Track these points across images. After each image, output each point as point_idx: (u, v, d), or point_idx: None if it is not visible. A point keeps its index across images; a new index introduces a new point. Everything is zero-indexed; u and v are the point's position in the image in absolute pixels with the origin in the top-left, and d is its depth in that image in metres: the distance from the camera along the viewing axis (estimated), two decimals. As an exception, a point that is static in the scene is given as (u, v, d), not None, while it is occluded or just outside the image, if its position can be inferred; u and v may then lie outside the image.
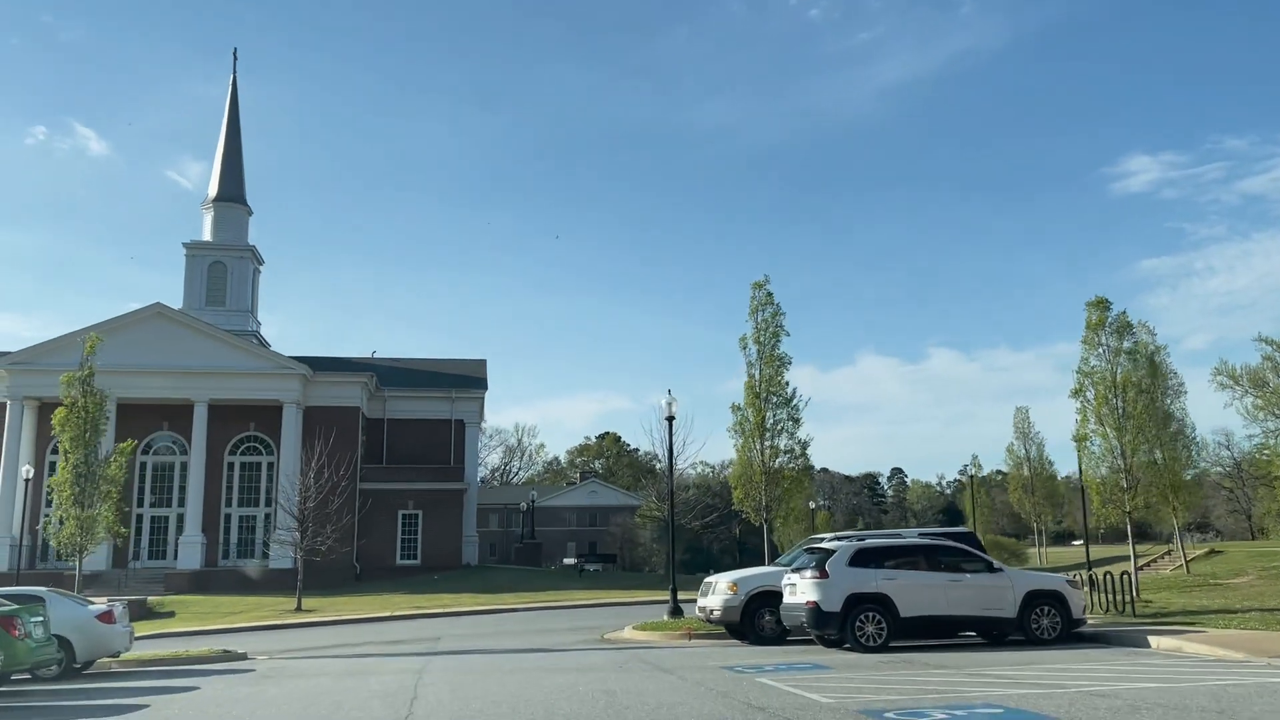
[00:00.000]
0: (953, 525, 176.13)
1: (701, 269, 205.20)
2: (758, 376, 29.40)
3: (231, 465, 53.20)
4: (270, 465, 52.59)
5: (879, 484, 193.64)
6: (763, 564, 25.51)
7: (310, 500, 46.99)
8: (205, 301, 60.00)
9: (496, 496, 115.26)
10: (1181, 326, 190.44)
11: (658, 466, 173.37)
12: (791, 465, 29.31)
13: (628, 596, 38.49)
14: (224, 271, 61.44)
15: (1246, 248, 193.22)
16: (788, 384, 29.29)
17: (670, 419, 27.16)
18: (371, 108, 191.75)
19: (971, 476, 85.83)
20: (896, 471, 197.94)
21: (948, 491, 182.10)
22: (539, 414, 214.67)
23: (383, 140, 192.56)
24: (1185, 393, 40.01)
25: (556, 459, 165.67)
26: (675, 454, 38.92)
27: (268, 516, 51.79)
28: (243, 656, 22.65)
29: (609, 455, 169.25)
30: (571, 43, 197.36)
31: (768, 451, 28.77)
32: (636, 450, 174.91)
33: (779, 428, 28.97)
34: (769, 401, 29.05)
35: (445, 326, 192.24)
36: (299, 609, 38.26)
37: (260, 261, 64.48)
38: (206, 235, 62.55)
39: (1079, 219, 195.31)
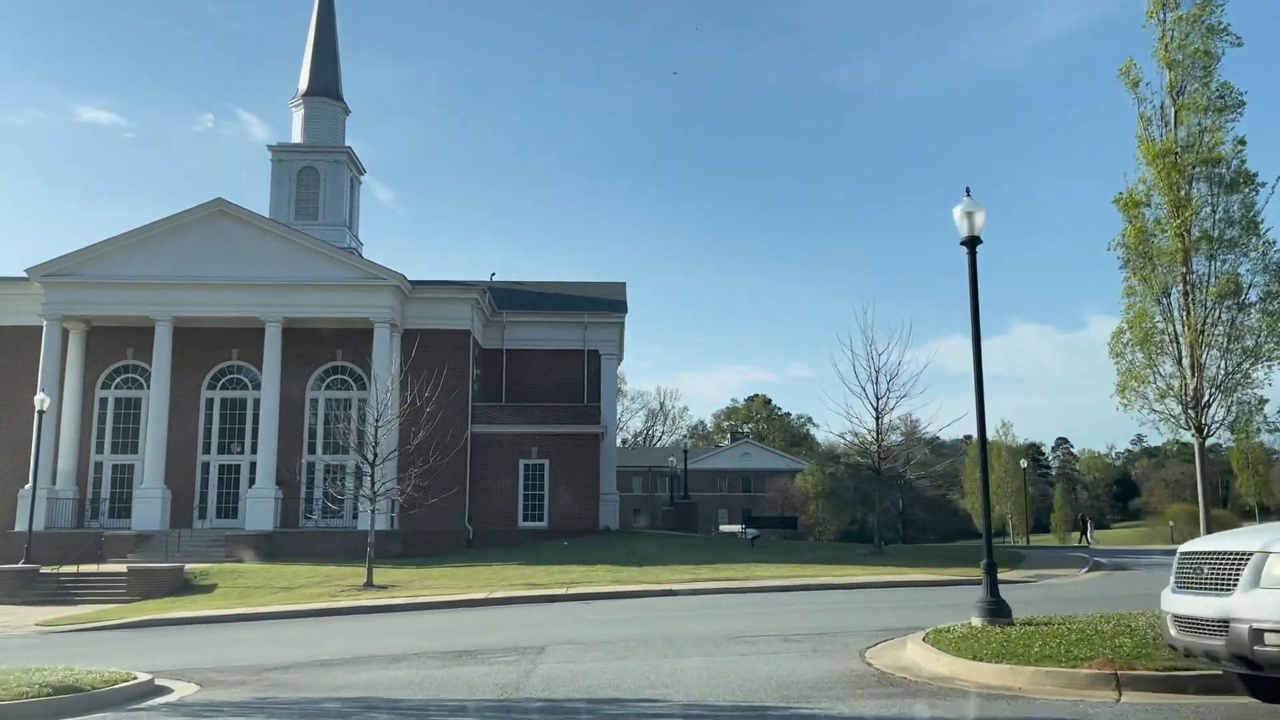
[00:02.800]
0: (1128, 497, 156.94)
1: (845, 235, 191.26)
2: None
3: (315, 402, 42.91)
4: (362, 403, 41.98)
5: (1043, 454, 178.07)
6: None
7: (410, 443, 36.46)
8: (295, 216, 49.80)
9: (639, 459, 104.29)
10: None
11: (811, 432, 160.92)
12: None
13: (843, 575, 26.08)
14: (315, 179, 51.15)
15: None
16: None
17: (972, 240, 14.49)
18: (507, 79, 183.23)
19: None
20: (1062, 441, 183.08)
21: (1118, 463, 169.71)
22: (678, 385, 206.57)
23: (520, 111, 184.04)
24: None
25: (702, 423, 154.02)
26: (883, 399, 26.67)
27: (359, 467, 41.18)
28: (155, 691, 11.37)
29: (759, 419, 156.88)
30: (711, 5, 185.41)
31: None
32: (788, 415, 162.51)
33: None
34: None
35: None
36: (369, 584, 27.30)
37: (360, 170, 54.07)
38: (296, 137, 52.45)
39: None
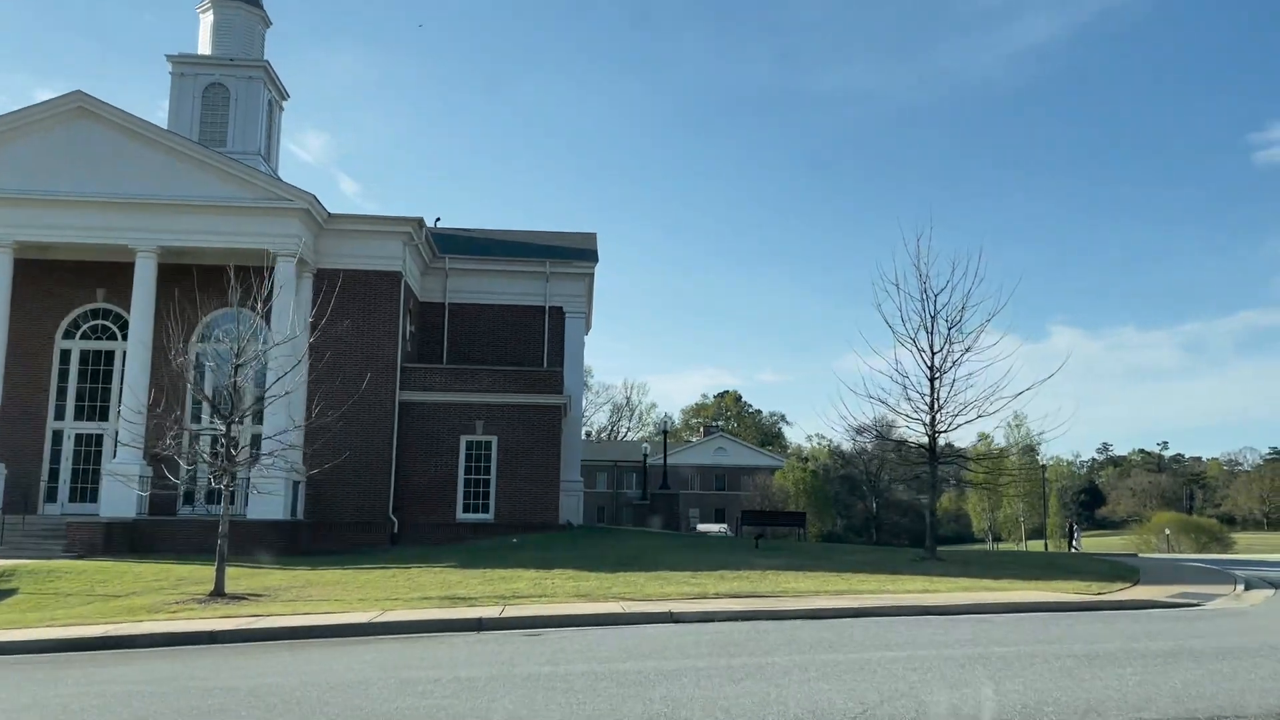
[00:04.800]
0: (1094, 505, 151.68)
1: (820, 242, 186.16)
2: None
3: (202, 357, 33.94)
4: (263, 358, 33.04)
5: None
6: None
7: (313, 410, 28.10)
8: (197, 140, 40.81)
9: (604, 453, 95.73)
10: None
11: (784, 430, 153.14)
12: None
13: (926, 592, 17.64)
14: (225, 98, 42.00)
15: None
16: None
17: None
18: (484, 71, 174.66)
19: None
20: (1028, 450, 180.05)
21: (1083, 471, 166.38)
22: (650, 394, 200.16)
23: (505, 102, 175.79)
24: None
25: (670, 418, 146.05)
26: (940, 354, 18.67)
27: (256, 438, 32.16)
28: None
29: (729, 415, 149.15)
30: (697, 6, 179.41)
31: None
32: (760, 413, 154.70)
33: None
34: None
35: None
36: (218, 593, 18.56)
37: (283, 94, 45.00)
38: (203, 48, 43.35)
39: (1219, 189, 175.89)
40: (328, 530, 32.32)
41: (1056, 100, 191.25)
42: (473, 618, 14.24)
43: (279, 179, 35.74)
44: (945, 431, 24.58)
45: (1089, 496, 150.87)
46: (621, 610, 14.73)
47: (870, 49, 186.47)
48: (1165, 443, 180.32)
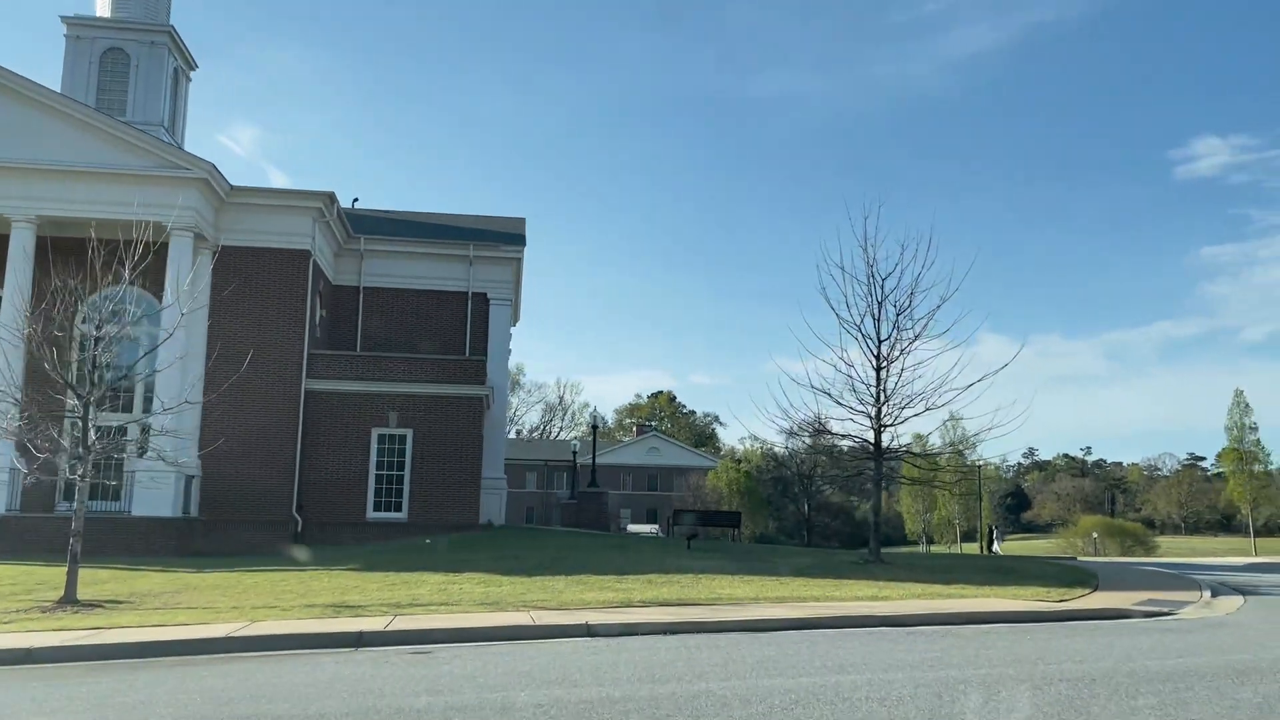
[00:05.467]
0: (1020, 508, 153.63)
1: (756, 245, 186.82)
2: None
3: (87, 339, 30.96)
4: (153, 340, 30.25)
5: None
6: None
7: (212, 397, 25.70)
8: (95, 108, 37.73)
9: (534, 452, 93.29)
10: (1242, 317, 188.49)
11: (717, 431, 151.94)
12: None
13: (872, 598, 15.80)
14: (125, 64, 38.92)
15: None
16: None
17: None
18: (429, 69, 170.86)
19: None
20: (957, 454, 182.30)
21: (1009, 475, 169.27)
22: (584, 394, 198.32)
23: (442, 101, 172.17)
24: None
25: (602, 418, 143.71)
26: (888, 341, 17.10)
27: (147, 430, 29.29)
28: None
29: (663, 415, 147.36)
30: (636, 4, 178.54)
31: None
32: (694, 414, 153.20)
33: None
34: None
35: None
36: (69, 600, 16.05)
37: (190, 64, 41.99)
38: (102, 10, 40.24)
39: (1143, 202, 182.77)
40: (224, 529, 29.70)
41: (989, 111, 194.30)
42: (353, 631, 12.03)
43: (178, 148, 32.97)
44: (892, 425, 22.88)
45: (1015, 500, 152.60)
46: (530, 622, 12.62)
47: (809, 56, 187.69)
48: (1089, 448, 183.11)
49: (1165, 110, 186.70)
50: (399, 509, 31.42)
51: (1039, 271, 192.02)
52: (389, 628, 12.27)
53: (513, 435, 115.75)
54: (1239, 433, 62.34)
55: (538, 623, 12.63)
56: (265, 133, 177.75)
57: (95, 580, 19.69)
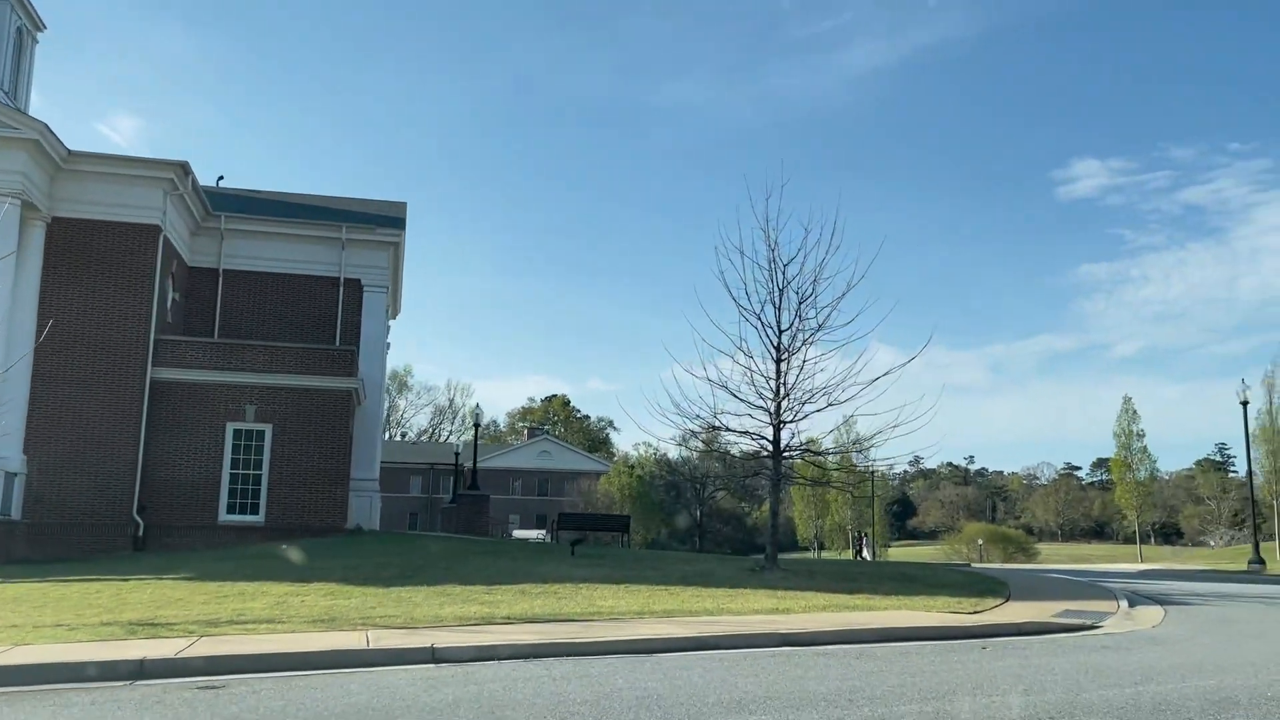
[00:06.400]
0: (905, 515, 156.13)
1: (651, 252, 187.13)
2: None
3: (-106, 320, 27.36)
4: (-22, 325, 26.83)
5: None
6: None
7: (34, 384, 22.58)
8: (-79, 68, 33.80)
9: (422, 454, 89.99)
10: (1114, 333, 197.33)
11: (611, 436, 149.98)
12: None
13: (773, 611, 13.91)
14: (-43, 19, 35.23)
15: (1182, 257, 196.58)
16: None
17: None
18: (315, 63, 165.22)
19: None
20: (854, 454, 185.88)
21: (895, 483, 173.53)
22: (475, 396, 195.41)
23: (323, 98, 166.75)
24: None
25: (494, 422, 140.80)
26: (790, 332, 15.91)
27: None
28: None
29: (557, 420, 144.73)
30: (535, 7, 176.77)
31: None
32: (588, 418, 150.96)
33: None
34: None
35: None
36: None
37: (37, 24, 38.18)
38: (-68, -41, 36.22)
39: (1028, 220, 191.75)
40: (53, 533, 26.47)
41: (885, 127, 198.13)
42: (134, 659, 9.59)
43: (6, 105, 29.51)
44: (792, 421, 21.16)
45: (900, 507, 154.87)
46: (363, 646, 10.35)
47: (709, 67, 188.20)
48: (971, 457, 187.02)
49: (1049, 132, 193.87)
50: (256, 511, 28.54)
51: (931, 284, 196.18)
52: (183, 654, 9.86)
53: (400, 438, 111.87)
54: (1127, 439, 63.15)
55: (374, 646, 10.38)
56: (148, 122, 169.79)
57: None
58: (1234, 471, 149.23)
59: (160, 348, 28.47)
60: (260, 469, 28.80)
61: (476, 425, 41.95)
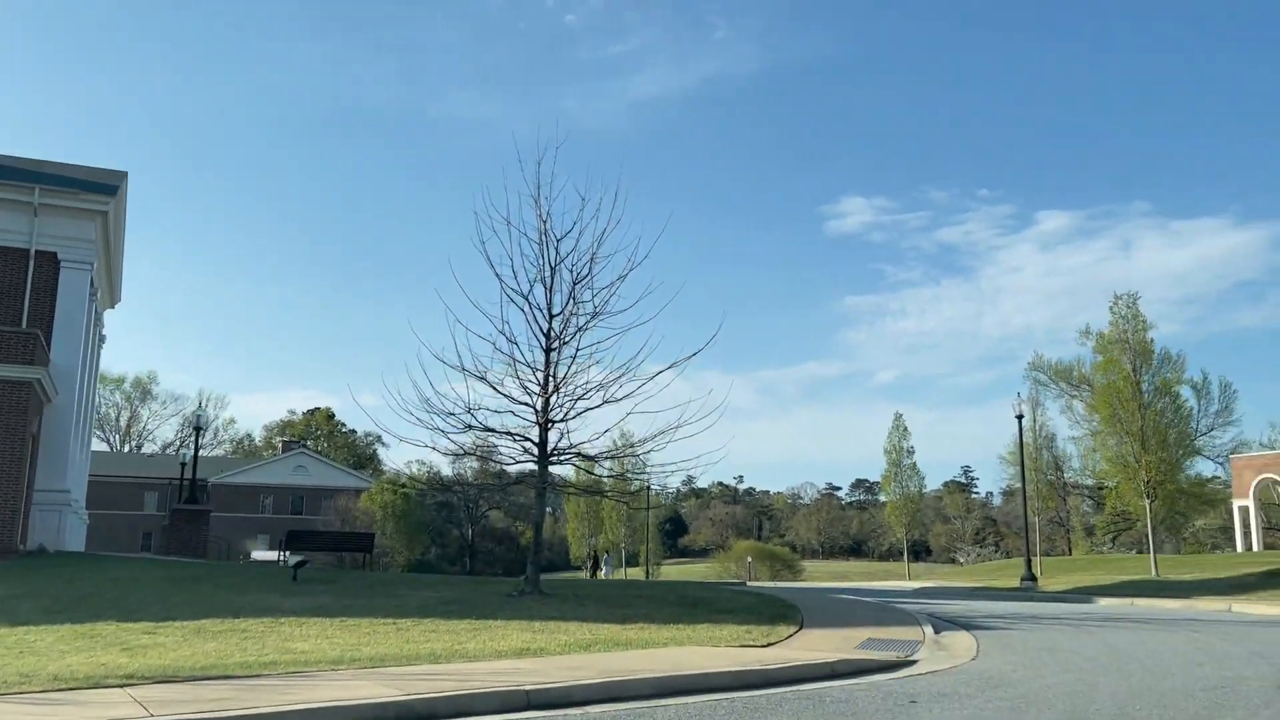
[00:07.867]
0: (677, 534, 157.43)
1: (427, 263, 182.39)
2: None
3: None
4: None
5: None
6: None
7: None
8: None
9: (161, 468, 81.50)
10: (874, 361, 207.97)
11: (379, 452, 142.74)
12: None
13: (530, 652, 10.66)
14: None
15: (936, 293, 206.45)
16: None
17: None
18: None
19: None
20: (632, 459, 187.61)
21: (668, 501, 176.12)
22: (231, 409, 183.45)
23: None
24: None
25: (249, 436, 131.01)
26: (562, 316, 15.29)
27: None
28: None
29: (320, 434, 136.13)
30: (312, 6, 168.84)
31: None
32: (354, 433, 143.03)
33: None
34: None
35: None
36: None
37: None
38: None
39: (800, 251, 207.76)
40: None
41: (670, 153, 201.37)
42: None
43: None
44: (563, 420, 18.08)
45: (673, 525, 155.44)
46: None
47: (495, 81, 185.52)
48: (741, 476, 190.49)
49: (820, 166, 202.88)
50: (-108, 529, 22.79)
51: (708, 308, 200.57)
52: None
53: (136, 449, 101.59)
54: (898, 455, 64.14)
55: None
56: None
57: None
58: (976, 493, 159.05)
59: None
60: (-98, 476, 23.08)
61: (198, 430, 36.64)
